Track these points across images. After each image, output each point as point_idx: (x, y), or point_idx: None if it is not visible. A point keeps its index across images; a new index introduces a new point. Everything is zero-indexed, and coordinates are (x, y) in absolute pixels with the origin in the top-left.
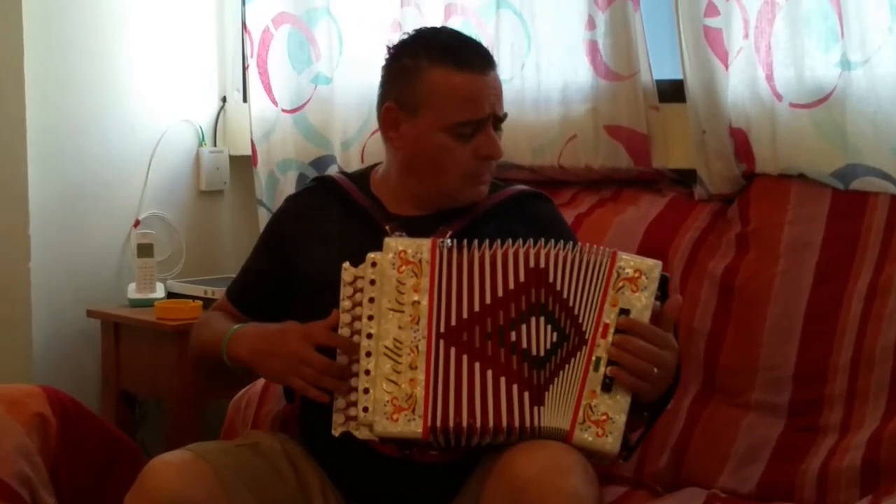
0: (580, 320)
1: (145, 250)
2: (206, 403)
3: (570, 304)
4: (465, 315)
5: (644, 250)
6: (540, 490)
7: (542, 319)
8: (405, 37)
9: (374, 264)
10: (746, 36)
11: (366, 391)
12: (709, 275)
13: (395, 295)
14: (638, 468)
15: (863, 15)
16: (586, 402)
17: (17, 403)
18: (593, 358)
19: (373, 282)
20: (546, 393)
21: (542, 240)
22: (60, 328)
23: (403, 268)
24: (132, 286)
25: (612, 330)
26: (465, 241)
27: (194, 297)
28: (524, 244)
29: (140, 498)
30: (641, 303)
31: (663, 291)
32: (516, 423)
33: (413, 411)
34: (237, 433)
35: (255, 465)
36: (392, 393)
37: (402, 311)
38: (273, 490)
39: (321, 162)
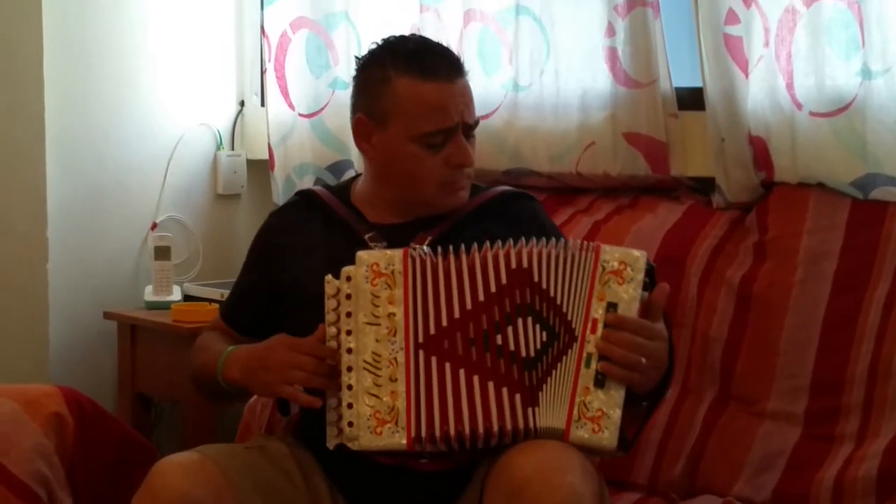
0: (569, 317)
1: (162, 253)
2: (221, 406)
3: (558, 301)
4: (444, 323)
5: (661, 258)
6: (537, 489)
7: (529, 320)
8: (374, 46)
9: (348, 278)
10: (767, 44)
11: (349, 406)
12: (726, 283)
13: (370, 308)
14: (653, 475)
15: (884, 24)
16: (580, 399)
17: (34, 403)
18: (584, 354)
19: (349, 296)
20: (540, 393)
21: (523, 239)
22: (77, 330)
23: (377, 280)
24: (149, 288)
25: (601, 325)
26: (440, 249)
27: (211, 301)
28: (504, 245)
29: (147, 498)
30: (629, 294)
31: (651, 280)
32: (509, 426)
33: (396, 423)
34: (252, 436)
35: (263, 467)
36: (374, 407)
37: (379, 325)
38: (281, 493)
39: (338, 166)
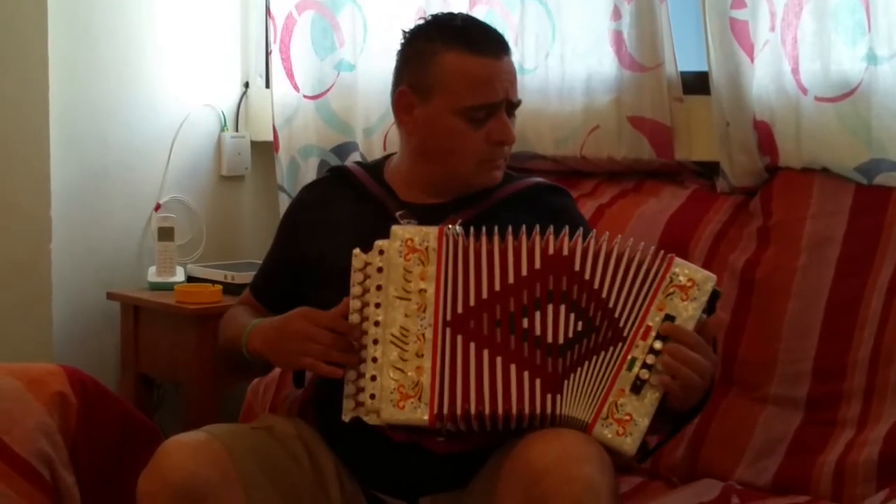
0: (616, 314)
1: (166, 234)
2: (224, 387)
3: (604, 296)
4: (472, 303)
5: (665, 242)
6: (556, 479)
7: (562, 307)
8: (421, 22)
9: (381, 252)
10: (773, 29)
11: (373, 378)
12: (729, 268)
13: (401, 283)
14: (654, 459)
15: (890, 9)
16: (613, 400)
17: (37, 382)
18: (629, 357)
19: (380, 269)
20: (566, 381)
21: (567, 228)
22: (80, 310)
23: (410, 256)
24: (152, 269)
25: (653, 333)
26: (474, 229)
27: (214, 282)
28: (543, 234)
29: (154, 477)
30: (688, 312)
31: (711, 306)
32: (527, 410)
33: (419, 399)
34: (255, 417)
35: (269, 447)
36: (398, 381)
37: (409, 300)
38: (287, 472)
39: (343, 149)
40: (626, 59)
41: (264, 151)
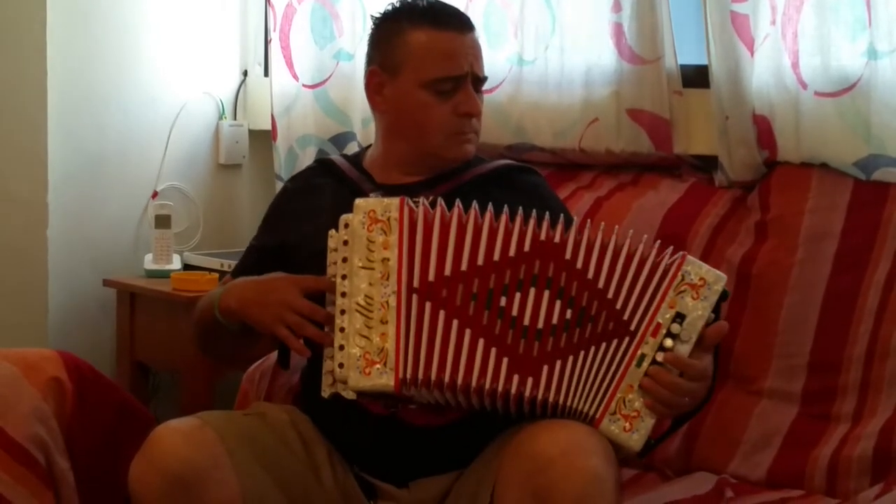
0: (618, 306)
1: (163, 221)
2: (219, 376)
3: (601, 286)
4: (447, 272)
5: (663, 236)
6: (561, 470)
7: (546, 293)
8: (388, 7)
9: (346, 225)
10: (773, 23)
11: (341, 348)
12: (727, 261)
13: (365, 253)
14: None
15: (891, 5)
16: (621, 395)
17: (33, 367)
18: (638, 353)
19: (346, 242)
20: (546, 367)
21: (562, 216)
22: (76, 297)
23: (373, 227)
24: (149, 257)
25: (663, 330)
26: (441, 200)
27: (210, 270)
28: (520, 215)
29: (146, 463)
30: (698, 312)
31: (716, 307)
32: (488, 386)
33: (384, 364)
34: (250, 406)
35: (261, 433)
36: (364, 348)
37: (373, 269)
38: (279, 459)
39: (341, 138)
40: (625, 52)
41: (262, 140)
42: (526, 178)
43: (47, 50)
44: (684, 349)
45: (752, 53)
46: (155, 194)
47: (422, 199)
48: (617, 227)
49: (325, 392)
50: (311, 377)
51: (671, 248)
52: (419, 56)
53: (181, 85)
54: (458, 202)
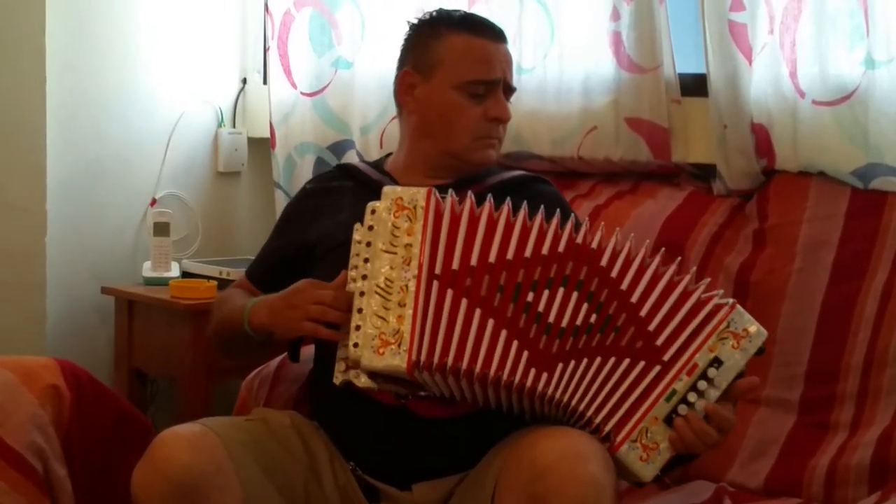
0: (650, 328)
1: (161, 229)
2: (218, 383)
3: (634, 301)
4: (473, 263)
5: (661, 244)
6: (560, 476)
7: (575, 294)
8: (425, 15)
9: (373, 212)
10: (771, 32)
11: (357, 328)
12: (725, 270)
13: (389, 238)
14: None
15: (889, 14)
16: (645, 426)
17: (31, 374)
18: (670, 388)
19: (371, 227)
20: (561, 364)
21: (602, 224)
22: (74, 304)
23: (399, 213)
24: (147, 264)
25: (698, 372)
26: (471, 195)
27: (209, 277)
28: (566, 222)
29: (150, 469)
30: (734, 361)
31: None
32: (506, 377)
33: (399, 346)
34: (249, 412)
35: (264, 439)
36: (380, 328)
37: (395, 253)
38: (281, 464)
39: (339, 146)
40: (624, 61)
41: (261, 148)
42: (541, 187)
43: (46, 57)
44: (714, 395)
45: (751, 62)
46: (154, 202)
47: (450, 192)
48: (663, 250)
49: (338, 378)
50: (321, 369)
51: (721, 290)
52: (455, 58)
53: (180, 92)
54: (489, 198)
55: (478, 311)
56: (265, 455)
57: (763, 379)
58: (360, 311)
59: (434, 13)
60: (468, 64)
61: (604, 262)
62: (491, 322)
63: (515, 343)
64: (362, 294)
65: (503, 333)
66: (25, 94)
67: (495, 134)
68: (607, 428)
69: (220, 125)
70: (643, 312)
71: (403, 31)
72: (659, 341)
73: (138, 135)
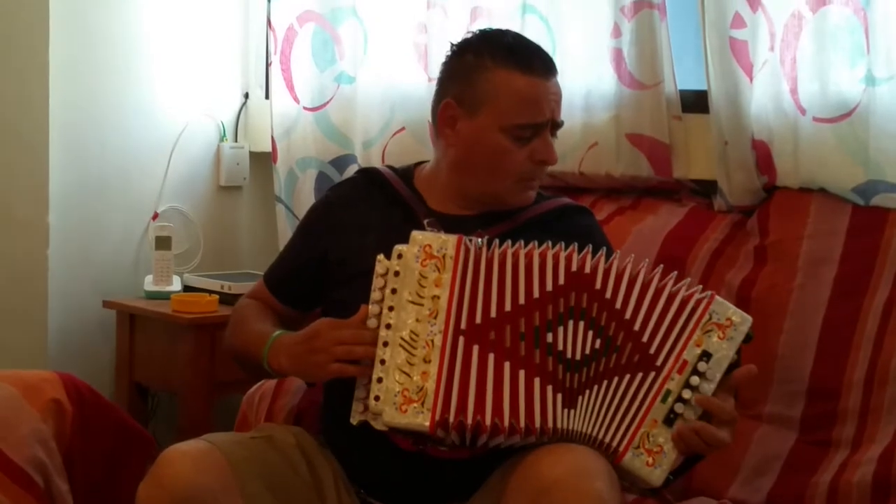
0: (645, 339)
1: (163, 243)
2: (219, 397)
3: (628, 317)
4: (493, 314)
5: (662, 260)
6: (564, 493)
7: (581, 324)
8: (469, 35)
9: (399, 256)
10: (772, 48)
11: (379, 380)
12: (726, 286)
13: (416, 288)
14: None
15: (890, 31)
16: (646, 430)
17: (33, 388)
18: (664, 389)
19: (397, 273)
20: (581, 397)
21: (590, 247)
22: (76, 318)
23: (427, 262)
24: (149, 278)
25: (689, 368)
26: (497, 241)
27: (211, 292)
28: (566, 249)
29: (155, 487)
30: (723, 352)
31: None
32: (537, 424)
33: (422, 404)
34: (250, 428)
35: (268, 456)
36: (403, 384)
37: (422, 305)
38: (286, 482)
39: (341, 161)
40: (625, 77)
41: (263, 162)
42: (579, 219)
43: (49, 71)
44: (709, 388)
45: (751, 79)
46: (155, 216)
47: (475, 240)
48: (646, 259)
49: (355, 419)
50: (335, 399)
51: (700, 286)
52: (502, 99)
53: (182, 107)
54: (508, 243)
55: (507, 364)
56: (270, 473)
57: (764, 396)
58: (382, 362)
59: (479, 36)
60: (516, 106)
61: (598, 284)
62: (522, 372)
63: (550, 388)
64: (386, 344)
65: (537, 381)
66: (28, 109)
67: (538, 176)
68: (610, 440)
69: (222, 139)
70: (637, 326)
71: (407, 52)
72: (652, 349)
73: (140, 149)
